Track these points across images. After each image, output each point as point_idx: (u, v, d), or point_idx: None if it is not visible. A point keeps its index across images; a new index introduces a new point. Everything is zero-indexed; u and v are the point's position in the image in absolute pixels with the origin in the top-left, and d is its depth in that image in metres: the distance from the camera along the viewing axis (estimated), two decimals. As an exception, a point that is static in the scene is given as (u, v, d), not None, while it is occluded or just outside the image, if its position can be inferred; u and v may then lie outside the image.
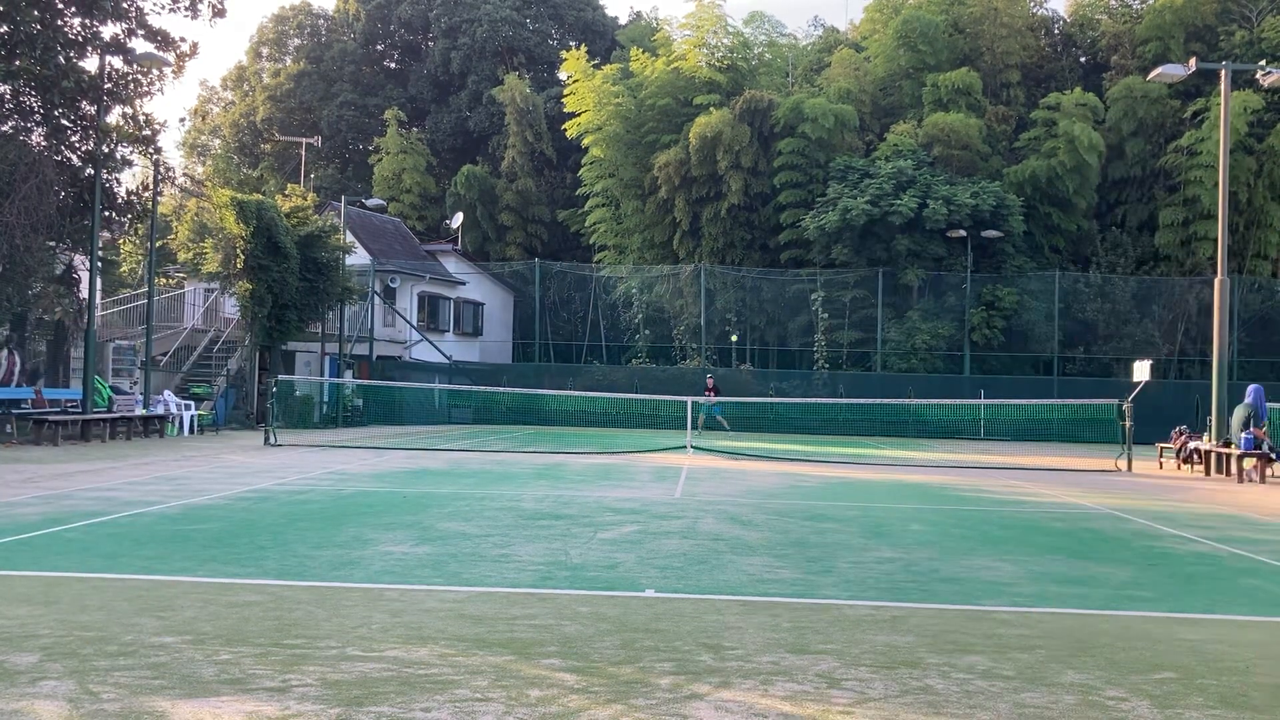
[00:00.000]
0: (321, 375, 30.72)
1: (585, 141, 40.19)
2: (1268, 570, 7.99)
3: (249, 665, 4.46)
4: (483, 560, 7.47)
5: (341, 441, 21.95)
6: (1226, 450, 17.90)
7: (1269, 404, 18.16)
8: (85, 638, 4.88)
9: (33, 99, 20.79)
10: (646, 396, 29.45)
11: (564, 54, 43.00)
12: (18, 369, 21.91)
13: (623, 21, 55.42)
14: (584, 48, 42.78)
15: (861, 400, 29.92)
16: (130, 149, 22.32)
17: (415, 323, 35.55)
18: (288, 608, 5.68)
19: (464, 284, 38.99)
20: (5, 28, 19.63)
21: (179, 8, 22.16)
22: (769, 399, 31.14)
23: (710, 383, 30.97)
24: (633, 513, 10.52)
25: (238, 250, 25.69)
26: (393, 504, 10.87)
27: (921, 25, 38.47)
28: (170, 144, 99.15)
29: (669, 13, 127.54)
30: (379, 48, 57.41)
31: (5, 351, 21.82)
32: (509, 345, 41.77)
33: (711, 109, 36.94)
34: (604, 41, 51.34)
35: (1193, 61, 19.93)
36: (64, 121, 21.18)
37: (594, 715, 3.90)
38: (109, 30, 21.45)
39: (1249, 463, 17.33)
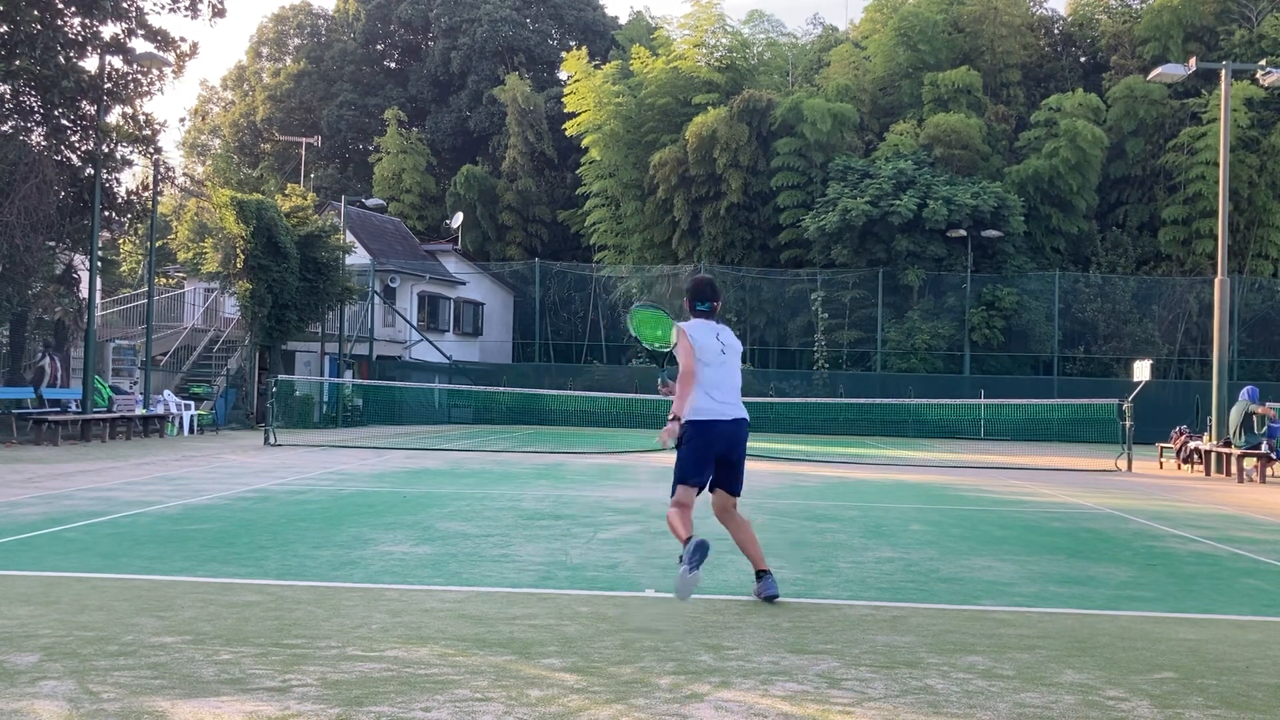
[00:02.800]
0: (321, 375, 30.73)
1: (585, 141, 40.19)
2: (1268, 570, 7.98)
3: (249, 665, 4.46)
4: (483, 560, 7.47)
5: (341, 441, 21.95)
6: (1226, 450, 17.90)
7: (1270, 403, 18.15)
8: (85, 638, 4.88)
9: (33, 99, 20.79)
10: (647, 396, 29.42)
11: (564, 54, 43.00)
12: (60, 372, 21.96)
13: (622, 21, 55.46)
14: (585, 49, 42.80)
15: (861, 400, 29.92)
16: (130, 149, 22.32)
17: (415, 323, 35.56)
18: (288, 608, 5.68)
19: (464, 284, 38.99)
20: (5, 28, 19.62)
21: (179, 8, 22.16)
22: (769, 399, 31.14)
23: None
24: (633, 513, 10.52)
25: (238, 250, 25.70)
26: (393, 504, 10.87)
27: (921, 24, 38.49)
28: (170, 144, 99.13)
29: (668, 11, 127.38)
30: (379, 48, 57.41)
31: (46, 357, 21.88)
32: (509, 345, 41.77)
33: (709, 108, 36.92)
34: (604, 41, 51.36)
35: (1192, 61, 19.90)
36: (64, 121, 21.17)
37: (594, 715, 3.89)
38: (109, 30, 21.47)
39: (1249, 462, 17.34)
